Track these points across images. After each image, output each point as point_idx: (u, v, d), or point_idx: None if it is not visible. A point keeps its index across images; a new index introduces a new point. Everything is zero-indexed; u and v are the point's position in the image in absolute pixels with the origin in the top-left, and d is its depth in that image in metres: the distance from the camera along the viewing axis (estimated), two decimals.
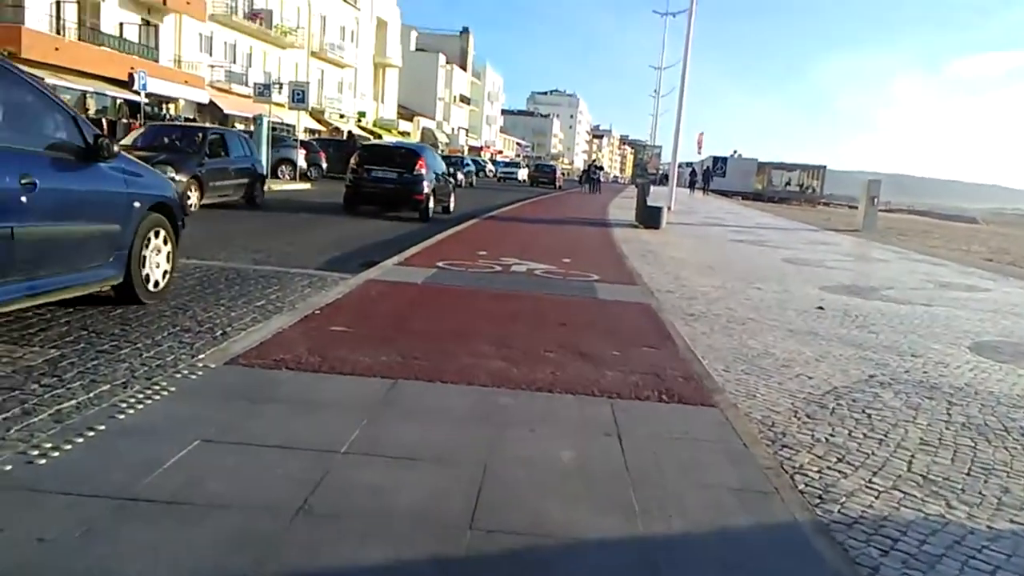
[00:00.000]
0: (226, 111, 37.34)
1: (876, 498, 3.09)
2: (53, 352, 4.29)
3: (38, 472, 2.72)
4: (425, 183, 16.44)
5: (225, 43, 41.25)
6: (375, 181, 16.34)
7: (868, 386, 4.82)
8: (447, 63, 78.77)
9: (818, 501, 3.02)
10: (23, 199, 4.25)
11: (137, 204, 5.47)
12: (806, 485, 3.18)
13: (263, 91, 28.77)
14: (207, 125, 24.39)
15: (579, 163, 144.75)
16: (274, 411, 3.56)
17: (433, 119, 74.19)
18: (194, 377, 3.97)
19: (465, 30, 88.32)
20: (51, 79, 23.88)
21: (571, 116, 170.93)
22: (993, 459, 3.62)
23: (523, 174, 56.26)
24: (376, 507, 2.67)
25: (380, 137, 54.31)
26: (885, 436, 3.86)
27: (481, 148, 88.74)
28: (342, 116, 52.65)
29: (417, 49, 75.42)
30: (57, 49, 26.76)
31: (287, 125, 35.18)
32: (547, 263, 9.69)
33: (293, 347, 4.64)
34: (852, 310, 7.79)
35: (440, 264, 8.78)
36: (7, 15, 26.21)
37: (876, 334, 6.59)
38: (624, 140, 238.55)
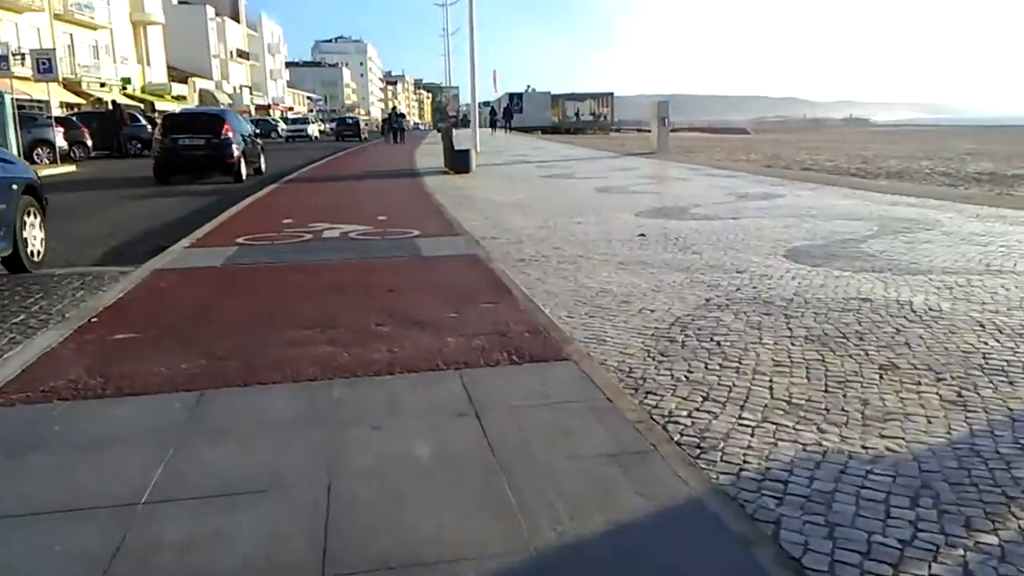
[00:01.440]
0: None
1: (751, 435, 2.95)
2: None
3: None
4: (234, 146, 17.05)
5: None
6: (184, 149, 16.74)
7: (708, 311, 4.78)
8: (217, 15, 72.41)
9: (698, 452, 2.82)
10: None
11: (14, 187, 6.42)
12: (681, 435, 2.97)
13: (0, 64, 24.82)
14: None
15: (376, 112, 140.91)
16: (46, 461, 2.80)
17: (211, 79, 68.28)
18: None
19: None
20: None
21: (361, 64, 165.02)
22: (843, 370, 3.64)
23: (313, 129, 54.39)
24: (194, 573, 2.09)
25: (152, 105, 49.28)
26: (739, 363, 3.77)
27: (269, 106, 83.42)
28: (103, 85, 46.89)
29: (180, 2, 68.54)
30: None
31: (38, 102, 30.63)
32: (361, 223, 9.03)
33: (66, 369, 3.78)
34: (670, 233, 7.91)
35: (240, 240, 7.86)
36: None
37: (699, 254, 6.68)
38: (419, 84, 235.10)
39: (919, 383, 3.45)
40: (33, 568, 2.12)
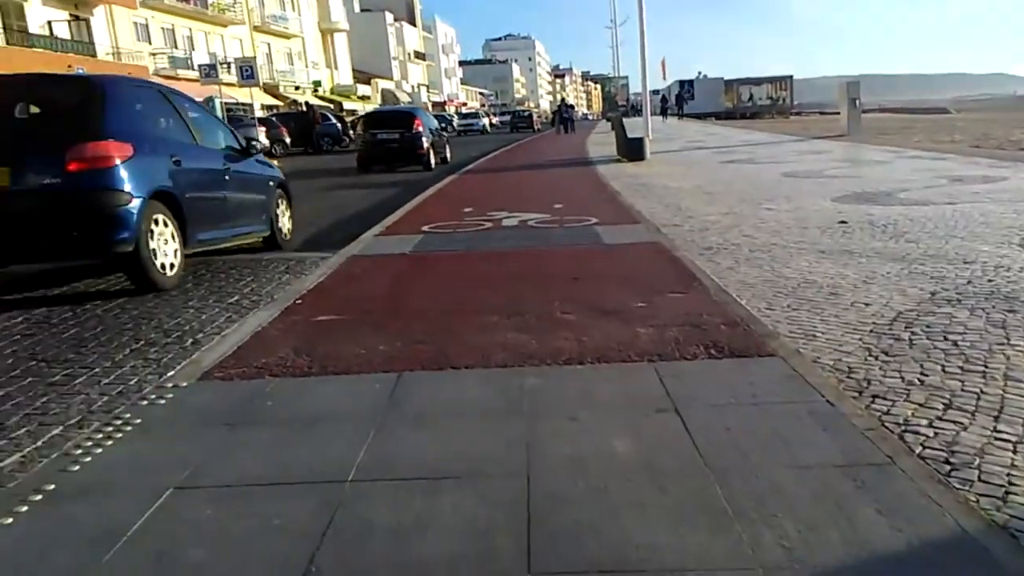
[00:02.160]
0: None
1: (1014, 452, 2.51)
2: None
3: None
4: (424, 139, 19.15)
5: (163, 29, 39.44)
6: (382, 142, 19.07)
7: (935, 306, 4.22)
8: (395, 20, 76.21)
9: (948, 468, 2.43)
10: (226, 178, 6.73)
11: (271, 183, 7.81)
12: (923, 447, 2.59)
13: (209, 72, 27.52)
14: None
15: (544, 105, 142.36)
16: (259, 435, 2.92)
17: (391, 79, 72.10)
18: (162, 402, 3.32)
19: None
20: None
21: (529, 59, 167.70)
22: None
23: (484, 123, 56.94)
24: (401, 561, 2.05)
25: (340, 105, 52.71)
26: (985, 366, 3.27)
27: (444, 103, 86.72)
28: (297, 88, 50.90)
29: (362, 10, 72.80)
30: None
31: (243, 104, 33.73)
32: (539, 212, 9.00)
33: (276, 348, 3.98)
34: (876, 219, 7.18)
35: (425, 228, 8.08)
36: None
37: (915, 243, 5.99)
38: (586, 76, 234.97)
39: None
40: (249, 539, 2.18)
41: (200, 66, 30.08)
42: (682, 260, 5.81)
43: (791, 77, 69.16)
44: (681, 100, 58.99)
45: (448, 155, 21.93)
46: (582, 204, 9.68)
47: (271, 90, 46.08)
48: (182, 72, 37.72)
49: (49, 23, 30.70)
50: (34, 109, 5.70)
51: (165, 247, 5.67)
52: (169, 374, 3.72)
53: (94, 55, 31.95)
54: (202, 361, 3.85)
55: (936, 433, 2.69)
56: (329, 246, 7.55)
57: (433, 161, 19.48)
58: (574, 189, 12.09)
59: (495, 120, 66.90)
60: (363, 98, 61.08)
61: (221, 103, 24.99)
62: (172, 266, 5.75)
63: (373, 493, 2.42)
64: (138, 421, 3.11)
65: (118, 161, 5.25)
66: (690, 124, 45.34)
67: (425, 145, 19.15)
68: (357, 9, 71.70)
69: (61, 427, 3.16)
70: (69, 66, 26.21)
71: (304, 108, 38.09)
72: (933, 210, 7.55)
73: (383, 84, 68.91)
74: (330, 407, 3.18)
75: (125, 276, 5.73)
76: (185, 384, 3.53)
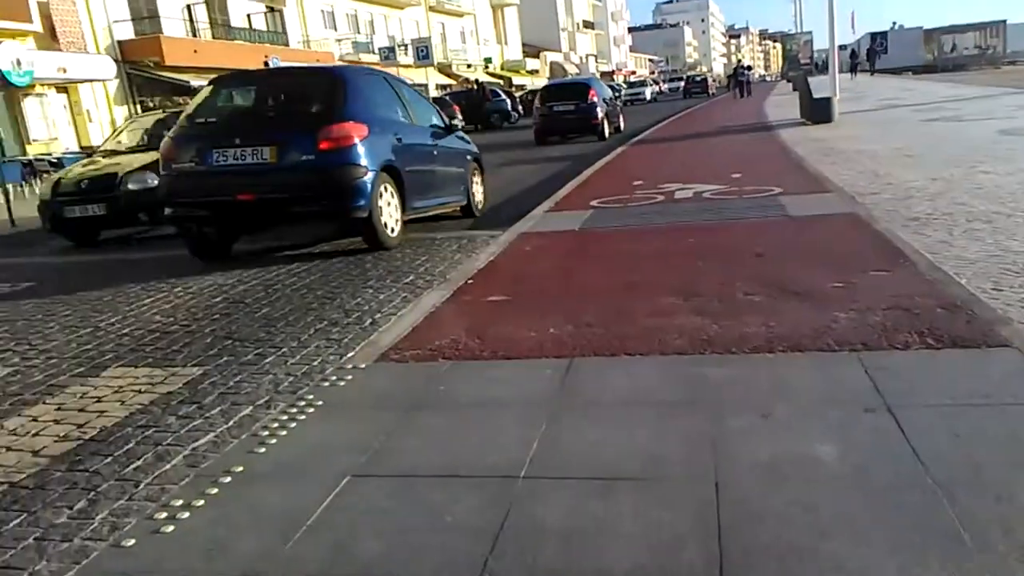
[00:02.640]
0: None
1: None
2: (194, 371, 3.88)
3: (161, 548, 2.19)
4: (598, 109, 19.34)
5: (347, 15, 41.63)
6: (558, 114, 19.57)
7: None
8: None
9: None
10: (434, 153, 7.53)
11: (469, 157, 8.50)
12: None
13: (388, 54, 28.80)
14: None
15: (718, 68, 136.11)
16: (433, 422, 2.89)
17: (559, 52, 71.92)
18: (342, 383, 3.40)
19: None
20: (195, 80, 24.95)
21: (702, 20, 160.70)
22: None
23: (649, 92, 54.90)
24: (580, 569, 1.91)
25: (510, 80, 53.33)
26: None
27: (613, 72, 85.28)
28: (469, 66, 52.07)
29: None
30: (196, 51, 27.92)
31: (419, 84, 35.01)
32: (715, 183, 8.50)
33: (448, 329, 3.97)
34: None
35: (595, 203, 7.87)
36: (145, 27, 27.60)
37: None
38: (764, 35, 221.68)
39: None
40: (427, 538, 2.12)
41: (380, 49, 31.54)
42: (884, 233, 5.19)
43: (1004, 22, 61.45)
44: (873, 54, 53.97)
45: (621, 124, 22.05)
46: (763, 173, 9.03)
47: (444, 69, 47.48)
48: (364, 56, 39.73)
49: (248, 16, 33.40)
50: (292, 97, 6.97)
51: (390, 212, 6.57)
52: (349, 355, 3.82)
53: (287, 44, 34.40)
54: (380, 342, 3.92)
55: None
56: (501, 223, 7.56)
57: (607, 131, 19.59)
58: (753, 157, 11.34)
59: (665, 87, 64.88)
60: (532, 72, 61.45)
61: None
62: (394, 229, 6.63)
63: (547, 492, 2.29)
64: (320, 403, 3.19)
65: (357, 140, 6.16)
66: (884, 80, 41.45)
67: (600, 115, 19.35)
68: None
69: (251, 407, 3.31)
70: (265, 56, 28.41)
71: (475, 86, 38.91)
72: None
73: (551, 56, 68.94)
74: (502, 394, 3.10)
75: (361, 237, 6.57)
76: (364, 366, 3.59)
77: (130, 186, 8.67)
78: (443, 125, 8.02)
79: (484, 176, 9.02)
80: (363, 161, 6.16)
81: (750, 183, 8.20)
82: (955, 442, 2.33)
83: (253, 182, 6.10)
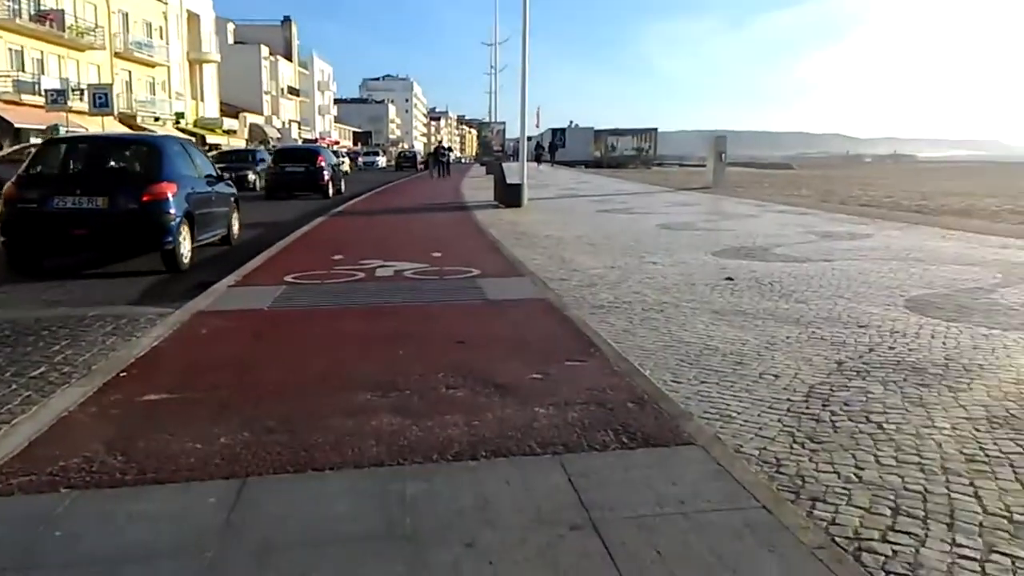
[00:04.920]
0: (16, 124, 32.48)
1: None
2: None
3: None
4: (325, 172, 22.78)
5: (10, 50, 35.90)
6: (289, 173, 22.46)
7: (845, 378, 3.96)
8: (270, 55, 73.94)
9: None
10: (212, 197, 9.81)
11: (232, 199, 10.93)
12: (885, 573, 2.17)
13: (56, 98, 25.29)
14: None
15: (418, 146, 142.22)
16: None
17: (261, 114, 69.53)
18: None
19: (287, 19, 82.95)
20: None
21: (406, 100, 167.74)
22: None
23: (382, 161, 60.17)
24: None
25: (203, 138, 50.06)
26: (920, 456, 2.95)
27: (316, 140, 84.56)
28: (157, 119, 47.76)
29: (236, 42, 70.09)
30: None
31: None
32: (416, 261, 8.39)
33: (82, 443, 3.12)
34: (761, 277, 7.09)
35: (289, 278, 7.26)
36: None
37: (805, 303, 5.85)
38: (462, 120, 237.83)
39: None
40: None
41: (47, 91, 27.54)
42: (574, 321, 5.36)
43: (655, 130, 72.48)
44: (554, 147, 60.39)
45: (343, 187, 25.37)
46: (462, 253, 9.16)
47: (127, 120, 42.90)
48: (27, 97, 34.33)
49: None
50: (120, 159, 9.54)
51: (186, 244, 8.67)
52: None
53: None
54: None
55: (895, 552, 2.28)
56: (175, 297, 6.58)
57: (331, 191, 22.79)
58: (453, 236, 11.57)
59: (361, 160, 63.89)
60: (229, 132, 58.23)
61: (66, 131, 22.75)
62: (187, 256, 8.69)
63: None
64: None
65: (170, 195, 8.34)
66: (562, 171, 46.30)
67: (326, 177, 22.71)
68: (231, 41, 68.99)
69: None
70: None
71: None
72: (813, 267, 7.58)
73: (252, 118, 66.26)
74: (144, 537, 2.39)
75: (164, 264, 8.39)
76: None
77: None
78: (215, 175, 10.38)
79: (239, 212, 11.40)
80: (172, 210, 8.31)
81: (450, 263, 8.22)
82: (660, 565, 2.20)
83: (88, 222, 8.04)
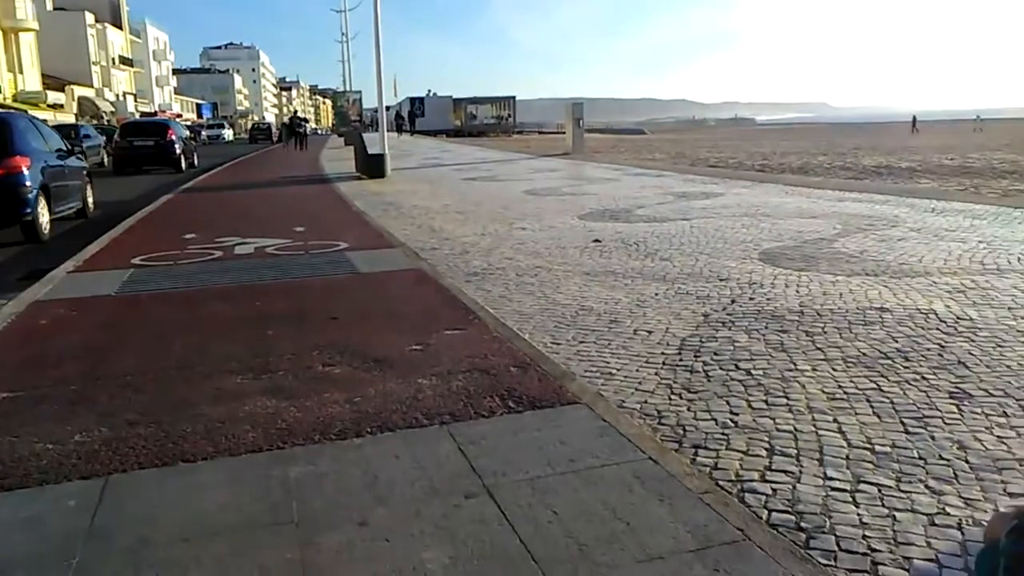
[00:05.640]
0: None
1: (856, 506, 2.30)
2: None
3: None
4: (176, 145, 22.50)
5: None
6: (137, 148, 21.98)
7: (713, 330, 4.16)
8: (96, 22, 67.66)
9: (805, 538, 2.14)
10: (65, 171, 10.31)
11: (85, 172, 11.68)
12: (768, 511, 2.30)
13: None
14: None
15: (270, 118, 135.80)
16: None
17: (91, 87, 63.76)
18: None
19: None
20: None
21: (253, 70, 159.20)
22: (911, 402, 3.08)
23: (229, 134, 56.07)
24: None
25: (26, 112, 45.36)
26: (787, 397, 3.15)
27: (155, 113, 78.77)
28: None
29: (56, 8, 63.59)
30: None
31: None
32: (278, 236, 8.02)
33: None
34: (626, 237, 7.31)
35: (137, 261, 6.74)
36: None
37: (668, 261, 6.09)
38: (315, 90, 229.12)
39: (1006, 414, 2.91)
40: None
41: None
42: (450, 289, 5.31)
43: (514, 98, 73.02)
44: (413, 117, 59.58)
45: (195, 160, 25.04)
46: (327, 227, 8.84)
47: None
48: None
49: None
50: None
51: (44, 216, 9.10)
52: None
53: None
54: None
55: (774, 490, 2.42)
56: (2, 288, 5.93)
57: (183, 164, 22.64)
58: (316, 209, 11.14)
59: (205, 134, 59.42)
60: (55, 107, 52.89)
61: None
62: (46, 227, 9.13)
63: None
64: None
65: (24, 169, 8.66)
66: (423, 140, 45.76)
67: (178, 151, 22.49)
68: (49, 7, 62.45)
69: None
70: None
71: None
72: (673, 227, 7.90)
73: (81, 91, 60.57)
74: None
75: (24, 234, 8.78)
76: None
77: None
78: (66, 149, 10.75)
79: (93, 186, 11.96)
80: (28, 183, 8.64)
81: (315, 237, 7.92)
82: (556, 522, 2.22)
83: None
